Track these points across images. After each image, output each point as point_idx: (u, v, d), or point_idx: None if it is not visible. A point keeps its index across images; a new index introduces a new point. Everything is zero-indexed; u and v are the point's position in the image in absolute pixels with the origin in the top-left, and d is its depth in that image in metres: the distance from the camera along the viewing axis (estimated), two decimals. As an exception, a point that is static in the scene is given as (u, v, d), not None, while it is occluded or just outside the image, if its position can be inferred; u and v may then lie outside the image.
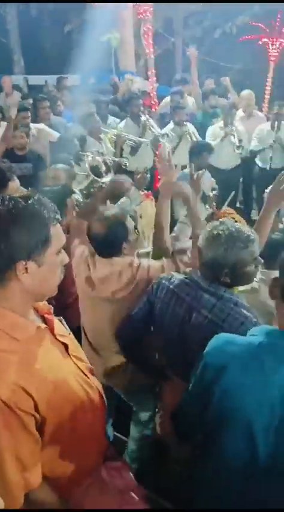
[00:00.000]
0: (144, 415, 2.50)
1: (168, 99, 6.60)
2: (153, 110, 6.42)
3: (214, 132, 5.58)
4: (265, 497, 1.41)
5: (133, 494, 1.56)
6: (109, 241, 2.13)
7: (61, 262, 1.31)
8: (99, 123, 5.15)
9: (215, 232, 1.76)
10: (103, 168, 4.23)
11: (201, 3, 9.74)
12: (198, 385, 1.50)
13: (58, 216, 1.26)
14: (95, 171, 4.12)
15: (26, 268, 1.19)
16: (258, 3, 9.83)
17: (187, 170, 4.55)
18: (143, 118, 5.40)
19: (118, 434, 2.73)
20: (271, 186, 2.38)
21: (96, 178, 4.00)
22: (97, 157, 4.41)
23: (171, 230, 2.61)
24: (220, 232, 1.74)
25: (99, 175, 4.02)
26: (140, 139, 5.21)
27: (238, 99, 6.51)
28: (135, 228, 2.70)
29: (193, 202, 2.38)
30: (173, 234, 2.68)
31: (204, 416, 1.49)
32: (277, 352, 1.34)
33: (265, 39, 9.20)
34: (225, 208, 4.71)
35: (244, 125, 5.98)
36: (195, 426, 1.60)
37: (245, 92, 6.28)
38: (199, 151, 4.39)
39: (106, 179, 3.93)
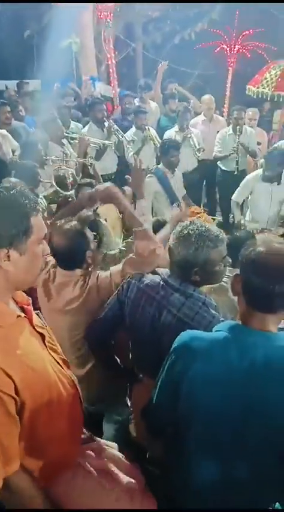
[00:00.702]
0: (116, 418, 2.50)
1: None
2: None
3: (170, 136, 5.65)
4: (239, 490, 1.45)
5: (116, 471, 1.57)
6: (72, 254, 2.17)
7: (42, 252, 1.36)
8: (61, 128, 5.13)
9: (185, 231, 1.79)
10: (70, 179, 4.21)
11: (158, 10, 9.85)
12: (166, 380, 1.53)
13: (39, 207, 1.31)
14: (60, 181, 4.10)
15: (8, 256, 1.25)
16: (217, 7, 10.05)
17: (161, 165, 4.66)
18: (107, 123, 5.42)
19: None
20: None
21: (59, 190, 3.98)
22: (64, 166, 4.39)
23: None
24: (191, 232, 1.78)
25: (63, 186, 4.00)
26: (104, 141, 5.22)
27: (198, 104, 6.65)
28: (98, 232, 2.70)
29: (124, 202, 2.38)
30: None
31: (173, 410, 1.51)
32: (241, 346, 1.38)
33: (223, 46, 9.44)
34: (193, 207, 4.82)
35: (205, 129, 6.12)
36: (165, 421, 1.63)
37: (206, 97, 6.44)
38: (167, 149, 4.48)
39: (71, 192, 3.93)
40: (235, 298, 1.49)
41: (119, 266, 2.18)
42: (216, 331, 1.47)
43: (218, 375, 1.39)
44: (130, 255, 2.19)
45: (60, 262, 2.22)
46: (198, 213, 4.48)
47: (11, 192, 1.26)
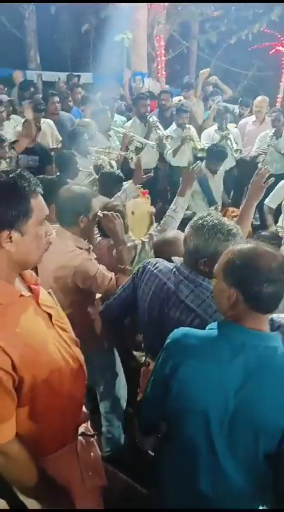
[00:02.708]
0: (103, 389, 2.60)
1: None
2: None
3: (209, 134, 5.66)
4: (226, 488, 1.46)
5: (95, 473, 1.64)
6: (66, 210, 2.29)
7: (44, 233, 1.39)
8: (109, 121, 5.24)
9: (200, 222, 1.81)
10: (107, 168, 4.32)
11: (218, 10, 9.78)
12: (158, 377, 1.54)
13: (39, 189, 1.35)
14: (98, 170, 4.21)
15: (10, 237, 1.29)
16: (276, 8, 9.85)
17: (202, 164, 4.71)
18: (151, 119, 5.48)
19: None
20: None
21: (97, 177, 4.09)
22: (102, 156, 4.51)
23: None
24: (204, 223, 1.80)
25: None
26: (146, 141, 5.28)
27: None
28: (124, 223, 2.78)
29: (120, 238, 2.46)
30: (158, 227, 2.76)
31: (163, 407, 1.53)
32: (231, 345, 1.38)
33: (279, 48, 9.27)
34: (231, 208, 4.81)
35: (255, 130, 6.02)
36: (155, 418, 1.65)
37: (258, 98, 6.28)
38: (214, 154, 4.63)
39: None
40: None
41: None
42: (209, 329, 1.47)
43: (209, 373, 1.38)
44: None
45: (59, 216, 2.35)
46: (234, 216, 4.47)
47: (11, 176, 1.30)
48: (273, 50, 9.39)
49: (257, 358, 1.35)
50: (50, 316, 1.48)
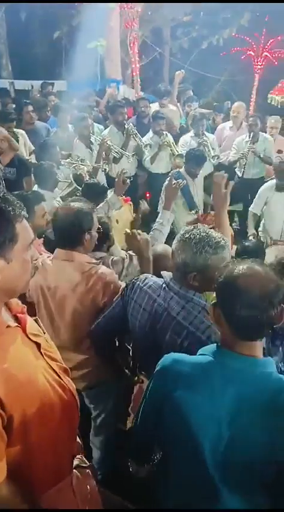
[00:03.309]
0: (102, 420, 2.50)
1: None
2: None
3: (185, 141, 5.67)
4: None
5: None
6: (71, 230, 2.15)
7: (30, 258, 1.33)
8: (89, 129, 5.19)
9: (187, 235, 1.79)
10: (87, 178, 4.27)
11: (188, 15, 9.87)
12: (149, 404, 1.50)
13: (24, 213, 1.28)
14: (78, 180, 4.16)
15: None
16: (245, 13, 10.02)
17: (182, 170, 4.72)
18: (128, 126, 5.47)
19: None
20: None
21: (78, 187, 4.04)
22: (82, 165, 4.46)
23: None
24: (192, 236, 1.77)
25: (81, 184, 4.06)
26: (123, 151, 5.26)
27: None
28: (109, 235, 2.74)
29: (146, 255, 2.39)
30: None
31: (155, 436, 1.49)
32: (223, 372, 1.33)
33: (250, 52, 9.40)
34: (212, 213, 4.82)
35: (232, 136, 6.08)
36: (148, 445, 1.60)
37: (235, 104, 6.37)
38: (192, 159, 4.66)
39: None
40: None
41: None
42: (200, 354, 1.42)
43: (201, 402, 1.33)
44: None
45: (59, 239, 2.23)
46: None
47: None
48: (245, 55, 9.49)
49: (251, 386, 1.30)
50: (38, 345, 1.40)
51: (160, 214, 2.89)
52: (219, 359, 1.36)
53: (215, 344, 1.43)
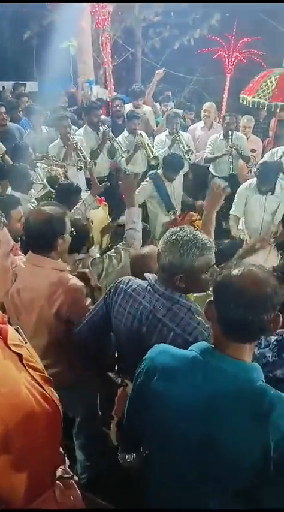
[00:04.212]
0: (78, 424, 2.49)
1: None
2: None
3: (161, 140, 5.70)
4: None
5: None
6: (42, 235, 2.11)
7: (10, 265, 1.30)
8: (67, 128, 5.10)
9: (173, 237, 1.78)
10: (62, 179, 4.22)
11: (158, 15, 9.90)
12: (135, 392, 1.51)
13: (4, 219, 1.26)
14: (52, 182, 4.10)
15: None
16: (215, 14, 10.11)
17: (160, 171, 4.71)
18: (103, 128, 5.46)
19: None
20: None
21: (52, 190, 3.99)
22: (56, 167, 4.41)
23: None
24: (178, 238, 1.77)
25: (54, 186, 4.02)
26: (87, 158, 5.18)
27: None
28: (88, 236, 2.71)
29: None
30: (124, 242, 2.72)
31: (141, 426, 1.50)
32: (207, 369, 1.33)
33: (222, 53, 9.50)
34: (190, 213, 4.84)
35: (204, 136, 6.13)
36: (134, 436, 1.61)
37: (206, 104, 6.40)
38: (171, 164, 4.63)
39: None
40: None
41: None
42: (190, 349, 1.43)
43: (180, 394, 1.34)
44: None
45: (31, 244, 2.18)
46: (194, 220, 4.50)
47: None
48: (216, 55, 9.59)
49: (233, 388, 1.29)
50: (20, 356, 1.36)
51: (127, 213, 2.86)
52: (205, 357, 1.36)
53: (204, 342, 1.44)
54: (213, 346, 1.37)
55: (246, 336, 1.32)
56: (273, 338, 1.99)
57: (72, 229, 2.24)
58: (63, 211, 2.21)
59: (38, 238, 2.12)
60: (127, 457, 1.78)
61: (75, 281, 2.19)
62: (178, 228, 1.83)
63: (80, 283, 2.20)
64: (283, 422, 1.25)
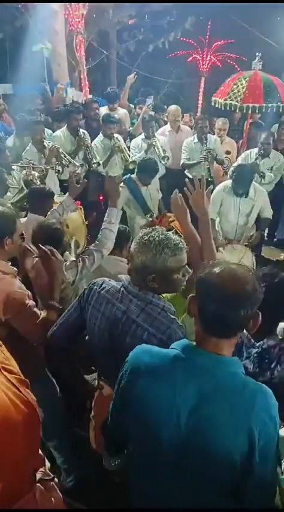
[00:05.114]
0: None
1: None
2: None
3: (137, 143, 5.69)
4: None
5: None
6: None
7: None
8: (42, 133, 5.08)
9: (146, 238, 1.80)
10: (38, 183, 4.19)
11: (132, 18, 9.93)
12: (118, 393, 1.52)
13: None
14: (29, 185, 4.07)
15: None
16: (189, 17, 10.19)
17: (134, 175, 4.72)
18: (81, 132, 5.47)
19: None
20: None
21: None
22: (33, 171, 4.37)
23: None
24: (150, 239, 1.79)
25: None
26: (72, 160, 5.18)
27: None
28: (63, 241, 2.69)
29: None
30: (96, 242, 2.72)
31: (124, 427, 1.49)
32: (188, 366, 1.35)
33: (196, 56, 9.60)
34: (168, 214, 4.86)
35: (172, 139, 6.13)
36: (118, 437, 1.61)
37: (172, 108, 6.41)
38: (146, 169, 4.67)
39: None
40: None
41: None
42: (171, 348, 1.44)
43: (162, 393, 1.35)
44: None
45: None
46: (172, 221, 4.53)
47: None
48: (191, 58, 9.69)
49: (213, 383, 1.32)
50: None
51: (107, 212, 2.88)
52: (186, 353, 1.38)
53: (186, 339, 1.46)
54: (195, 343, 1.40)
55: (224, 331, 1.35)
56: (254, 350, 2.03)
57: (23, 232, 2.29)
58: (13, 212, 2.25)
59: None
60: (111, 461, 1.79)
61: (17, 284, 2.19)
62: (151, 229, 1.84)
63: (21, 291, 2.19)
64: (265, 413, 1.29)
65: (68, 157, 5.02)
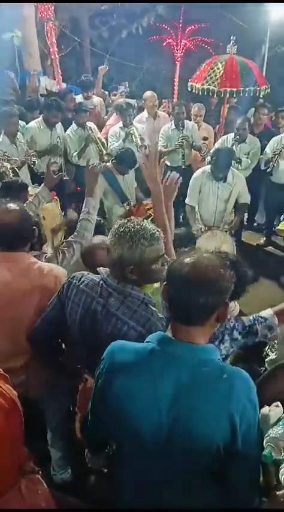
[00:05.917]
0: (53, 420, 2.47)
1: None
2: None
3: (114, 132, 5.60)
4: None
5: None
6: None
7: None
8: (17, 125, 4.97)
9: (121, 229, 1.78)
10: (11, 175, 4.11)
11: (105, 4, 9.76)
12: (97, 391, 1.50)
13: None
14: (2, 178, 3.99)
15: None
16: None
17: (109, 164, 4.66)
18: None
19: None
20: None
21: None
22: (5, 163, 4.28)
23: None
24: (126, 230, 1.77)
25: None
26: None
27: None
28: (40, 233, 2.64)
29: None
30: (75, 233, 2.69)
31: (105, 424, 1.49)
32: (165, 357, 1.35)
33: (170, 41, 9.50)
34: (145, 202, 4.84)
35: (150, 126, 6.07)
36: (99, 434, 1.60)
37: (147, 94, 6.34)
38: (123, 160, 4.65)
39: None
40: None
41: None
42: (147, 341, 1.44)
43: (141, 388, 1.35)
44: None
45: None
46: (149, 209, 4.51)
47: None
48: (165, 43, 9.58)
49: (190, 372, 1.32)
50: None
51: (84, 202, 2.83)
52: (161, 346, 1.38)
53: (160, 332, 1.45)
54: (169, 334, 1.39)
55: (190, 319, 1.35)
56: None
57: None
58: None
59: None
60: (94, 458, 1.79)
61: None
62: (126, 220, 1.82)
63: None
64: (244, 397, 1.30)
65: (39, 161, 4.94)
